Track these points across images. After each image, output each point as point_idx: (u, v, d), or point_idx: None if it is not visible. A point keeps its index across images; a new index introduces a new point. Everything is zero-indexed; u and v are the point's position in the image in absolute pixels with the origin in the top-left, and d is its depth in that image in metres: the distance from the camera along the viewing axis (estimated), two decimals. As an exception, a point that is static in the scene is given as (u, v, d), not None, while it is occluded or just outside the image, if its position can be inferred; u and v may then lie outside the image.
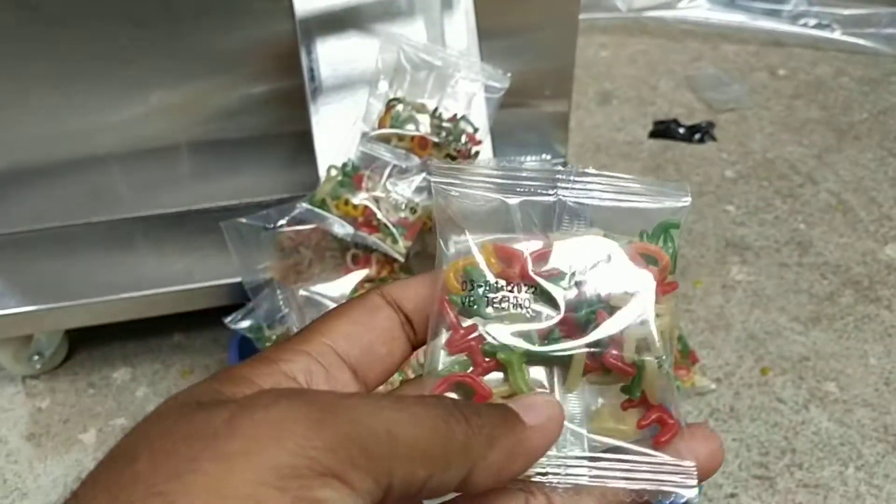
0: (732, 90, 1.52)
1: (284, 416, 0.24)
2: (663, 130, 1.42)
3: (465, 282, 0.32)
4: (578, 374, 0.31)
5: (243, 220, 0.77)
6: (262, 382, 0.28)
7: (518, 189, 0.33)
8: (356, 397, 0.27)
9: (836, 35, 1.64)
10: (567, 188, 0.33)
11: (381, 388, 0.34)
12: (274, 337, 0.80)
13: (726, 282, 1.13)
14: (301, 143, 0.85)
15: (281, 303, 0.76)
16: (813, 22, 1.66)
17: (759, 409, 0.96)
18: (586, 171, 0.33)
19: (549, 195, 0.33)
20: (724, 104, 1.49)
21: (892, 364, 1.01)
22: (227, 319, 0.82)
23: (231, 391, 0.27)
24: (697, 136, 1.41)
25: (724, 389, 0.98)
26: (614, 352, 0.31)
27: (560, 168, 0.33)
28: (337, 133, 0.82)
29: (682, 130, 1.41)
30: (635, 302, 0.31)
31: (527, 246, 0.33)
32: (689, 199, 0.33)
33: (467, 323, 0.32)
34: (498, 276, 0.32)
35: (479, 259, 0.33)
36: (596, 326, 0.31)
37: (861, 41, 1.63)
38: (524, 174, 0.33)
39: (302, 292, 0.75)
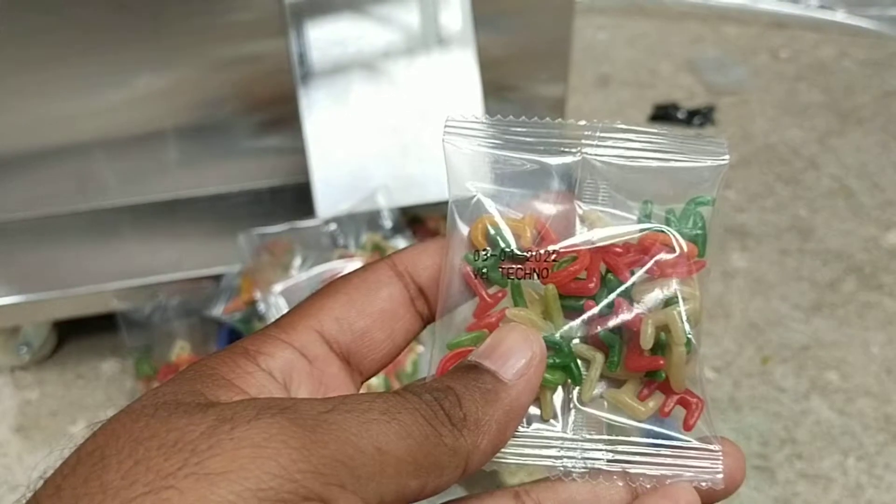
0: (733, 73, 1.50)
1: (268, 435, 0.22)
2: (663, 114, 1.40)
3: (490, 242, 0.30)
4: (593, 380, 0.30)
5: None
6: (243, 385, 0.26)
7: (540, 147, 0.31)
8: (342, 411, 0.24)
9: (839, 17, 1.61)
10: (593, 145, 0.30)
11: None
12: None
13: (726, 269, 1.11)
14: (291, 129, 0.83)
15: (261, 305, 0.74)
16: (816, 3, 1.63)
17: (759, 399, 0.94)
18: (615, 125, 0.30)
19: (573, 153, 0.30)
20: (724, 87, 1.47)
21: (894, 352, 0.99)
22: (216, 311, 0.80)
23: (213, 393, 0.26)
24: (698, 120, 1.38)
25: (724, 379, 0.97)
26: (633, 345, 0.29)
27: (586, 123, 0.31)
28: (327, 118, 0.81)
29: (681, 114, 1.39)
30: (658, 287, 0.29)
31: (547, 211, 0.30)
32: (727, 156, 0.30)
33: (492, 290, 0.30)
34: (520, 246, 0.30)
35: (500, 222, 0.30)
36: (615, 316, 0.29)
37: (864, 23, 1.61)
38: (546, 131, 0.31)
39: (278, 287, 0.74)
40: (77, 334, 1.03)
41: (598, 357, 0.30)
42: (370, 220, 0.79)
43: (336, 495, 0.22)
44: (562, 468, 0.29)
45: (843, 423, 0.92)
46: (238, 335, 0.81)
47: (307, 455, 0.22)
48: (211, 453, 0.22)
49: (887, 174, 1.26)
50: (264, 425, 0.23)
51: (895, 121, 1.37)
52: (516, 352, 0.27)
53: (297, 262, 0.77)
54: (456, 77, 0.83)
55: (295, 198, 0.87)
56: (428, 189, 0.81)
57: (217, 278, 0.83)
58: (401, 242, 0.79)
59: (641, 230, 0.30)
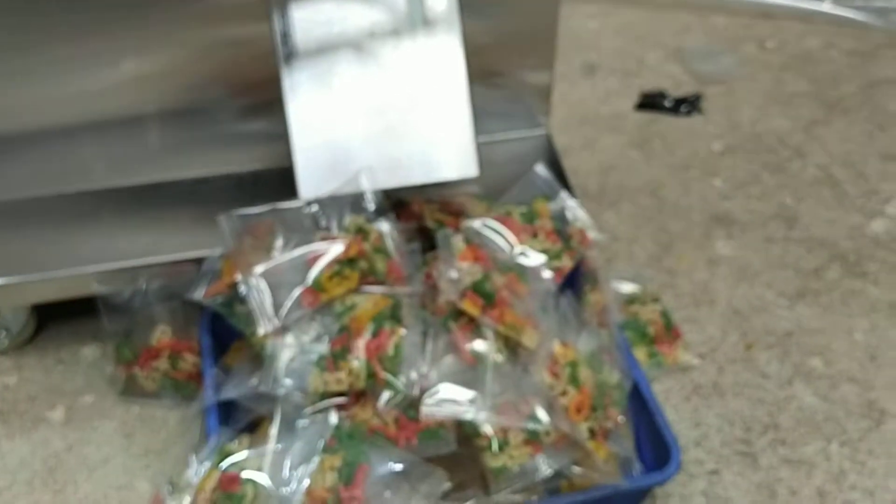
0: (720, 62, 1.50)
1: None
2: (650, 103, 1.40)
3: None
4: None
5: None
6: None
7: None
8: None
9: (826, 7, 1.61)
10: None
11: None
12: (245, 313, 0.77)
13: (711, 256, 1.11)
14: (275, 113, 0.82)
15: (242, 288, 0.74)
16: (802, -7, 1.63)
17: (742, 385, 0.94)
18: None
19: None
20: (711, 76, 1.46)
21: (878, 339, 0.99)
22: (197, 294, 0.79)
23: None
24: (684, 108, 1.38)
25: (708, 365, 0.97)
26: None
27: None
28: (310, 99, 0.80)
29: (668, 103, 1.39)
30: None
31: None
32: None
33: None
34: None
35: None
36: None
37: (850, 14, 1.61)
38: None
39: (259, 269, 0.73)
40: (57, 319, 1.02)
41: None
42: (353, 202, 0.78)
43: None
44: None
45: (827, 409, 0.92)
46: (220, 319, 0.80)
47: None
48: None
49: (872, 163, 1.26)
50: None
51: (880, 110, 1.38)
52: None
53: (279, 243, 0.77)
54: (441, 59, 0.82)
55: (279, 182, 0.86)
56: (412, 171, 0.80)
57: (198, 262, 0.81)
58: (384, 225, 0.78)
59: None
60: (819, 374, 0.95)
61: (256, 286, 0.73)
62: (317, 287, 0.73)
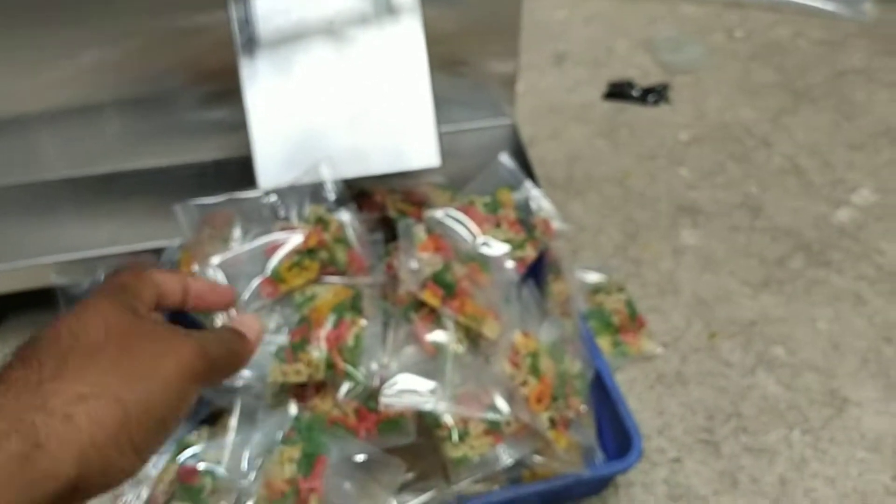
0: (689, 52, 1.50)
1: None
2: (618, 92, 1.40)
3: None
4: None
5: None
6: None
7: None
8: (208, 335, 0.49)
9: (795, -3, 1.62)
10: None
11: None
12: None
13: (677, 246, 1.11)
14: (236, 101, 0.81)
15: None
16: (771, -17, 1.64)
17: (705, 374, 0.95)
18: None
19: None
20: (679, 66, 1.47)
21: (841, 328, 1.00)
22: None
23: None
24: (652, 98, 1.38)
25: (672, 354, 0.97)
26: None
27: None
28: (269, 87, 0.79)
29: (636, 92, 1.39)
30: None
31: None
32: None
33: None
34: None
35: None
36: None
37: (819, 3, 1.62)
38: None
39: (216, 260, 0.72)
40: (16, 311, 1.00)
41: None
42: (314, 191, 0.77)
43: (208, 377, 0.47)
44: None
45: (789, 397, 0.92)
46: (178, 310, 0.79)
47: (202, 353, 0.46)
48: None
49: (838, 153, 1.27)
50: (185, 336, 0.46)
51: (847, 100, 1.38)
52: (250, 327, 0.55)
53: (238, 234, 0.76)
54: (402, 48, 0.82)
55: (241, 171, 0.85)
56: (373, 161, 0.79)
57: (157, 252, 0.81)
58: (345, 215, 0.78)
59: None
60: (782, 363, 0.96)
61: (213, 277, 0.72)
62: (276, 277, 0.73)
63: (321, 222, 0.76)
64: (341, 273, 0.76)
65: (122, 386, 0.40)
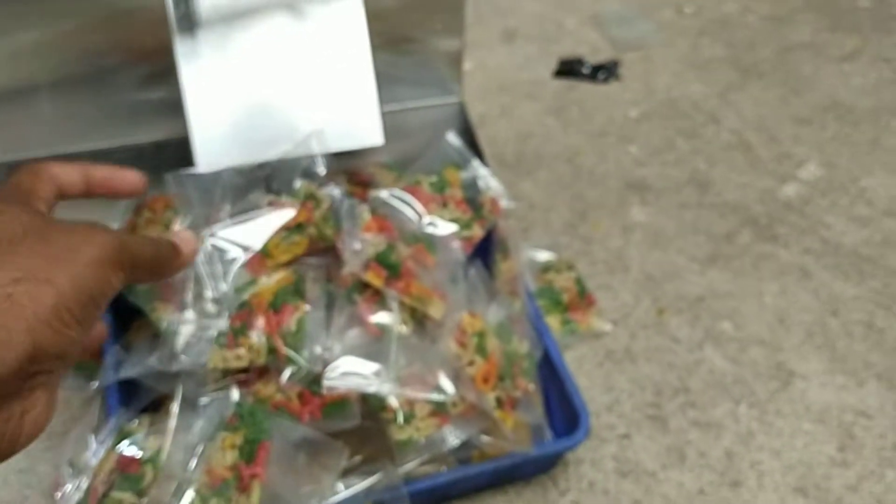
0: (638, 28, 1.50)
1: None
2: (568, 70, 1.39)
3: None
4: None
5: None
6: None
7: None
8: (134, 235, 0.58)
9: (743, -27, 1.63)
10: None
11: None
12: (145, 289, 0.75)
13: (626, 223, 1.11)
14: (175, 81, 0.79)
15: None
16: (720, -41, 1.64)
17: (654, 350, 0.95)
18: None
19: None
20: (629, 43, 1.47)
21: (787, 302, 1.01)
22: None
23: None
24: (602, 75, 1.38)
25: (621, 331, 0.97)
26: None
27: None
28: (206, 66, 0.77)
29: (586, 70, 1.39)
30: None
31: None
32: None
33: None
34: None
35: None
36: None
37: (767, -21, 1.62)
38: None
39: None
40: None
41: None
42: (282, 168, 0.76)
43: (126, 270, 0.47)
44: None
45: (736, 371, 0.93)
46: (119, 296, 0.77)
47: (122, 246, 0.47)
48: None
49: (785, 127, 1.28)
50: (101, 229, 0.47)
51: (794, 75, 1.40)
52: (186, 242, 0.58)
53: (178, 219, 0.74)
54: (343, 25, 0.80)
55: (182, 153, 0.83)
56: (314, 140, 0.78)
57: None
58: (335, 191, 0.76)
59: None
60: (729, 338, 0.97)
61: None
62: (264, 253, 0.72)
63: (312, 198, 0.75)
64: (329, 248, 0.75)
65: (50, 269, 0.42)
